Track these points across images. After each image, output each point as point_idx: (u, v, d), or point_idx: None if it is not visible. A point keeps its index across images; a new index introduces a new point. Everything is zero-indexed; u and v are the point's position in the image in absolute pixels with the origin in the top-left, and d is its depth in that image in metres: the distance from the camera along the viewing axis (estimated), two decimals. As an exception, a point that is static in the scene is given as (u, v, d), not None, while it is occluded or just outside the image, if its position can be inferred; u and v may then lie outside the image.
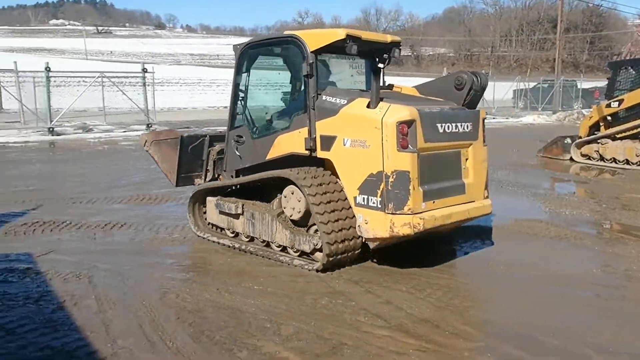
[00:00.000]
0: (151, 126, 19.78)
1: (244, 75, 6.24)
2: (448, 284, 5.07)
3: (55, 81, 19.24)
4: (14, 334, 3.97)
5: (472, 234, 6.67)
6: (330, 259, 5.18)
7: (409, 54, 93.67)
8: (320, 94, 5.50)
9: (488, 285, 5.08)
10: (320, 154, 5.45)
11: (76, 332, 3.98)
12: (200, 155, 6.71)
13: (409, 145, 4.94)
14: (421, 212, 5.00)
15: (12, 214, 7.44)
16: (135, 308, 4.43)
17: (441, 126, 5.24)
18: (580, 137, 13.33)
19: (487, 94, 27.64)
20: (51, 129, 17.84)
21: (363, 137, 5.09)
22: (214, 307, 4.47)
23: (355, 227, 5.25)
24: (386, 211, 4.98)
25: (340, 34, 5.36)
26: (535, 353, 3.76)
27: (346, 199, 5.29)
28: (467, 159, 5.53)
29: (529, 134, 20.25)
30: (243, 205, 6.01)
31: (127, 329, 4.06)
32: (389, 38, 5.91)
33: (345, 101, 5.32)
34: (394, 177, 4.92)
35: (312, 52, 5.43)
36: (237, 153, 6.22)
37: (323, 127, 5.40)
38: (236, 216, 6.08)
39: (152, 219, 7.27)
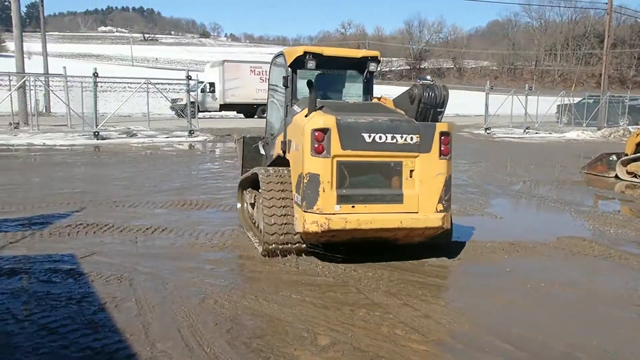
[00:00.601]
0: (193, 132, 20.11)
1: (269, 85, 7.25)
2: (490, 299, 4.97)
3: (101, 86, 19.82)
4: (56, 333, 4.07)
5: (514, 251, 6.54)
6: (269, 246, 5.88)
7: (452, 66, 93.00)
8: (293, 104, 6.22)
9: (529, 303, 4.96)
10: (287, 155, 6.09)
11: (116, 334, 4.06)
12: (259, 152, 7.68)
13: (324, 151, 5.28)
14: (332, 214, 5.33)
15: (57, 215, 7.66)
16: (174, 312, 4.49)
17: (369, 136, 5.40)
18: (627, 155, 12.94)
19: (530, 109, 27.18)
20: (97, 133, 18.32)
21: (298, 142, 5.65)
22: (251, 315, 4.49)
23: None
24: (301, 209, 5.46)
25: (299, 51, 6.17)
26: (579, 376, 3.65)
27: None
28: (411, 170, 5.55)
29: (572, 150, 19.79)
30: (255, 195, 6.79)
31: (166, 332, 4.12)
32: (360, 53, 6.51)
33: (299, 110, 5.92)
34: (307, 178, 5.38)
35: (288, 66, 6.26)
36: (263, 153, 7.42)
37: (288, 132, 6.09)
38: (252, 205, 6.97)
39: (192, 224, 7.37)
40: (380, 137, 5.43)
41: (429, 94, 5.86)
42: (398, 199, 5.52)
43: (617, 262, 6.25)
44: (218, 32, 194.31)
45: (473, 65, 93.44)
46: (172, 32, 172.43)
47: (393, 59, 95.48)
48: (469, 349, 4.01)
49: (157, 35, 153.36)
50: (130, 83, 21.53)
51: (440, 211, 5.62)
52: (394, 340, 4.11)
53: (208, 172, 12.07)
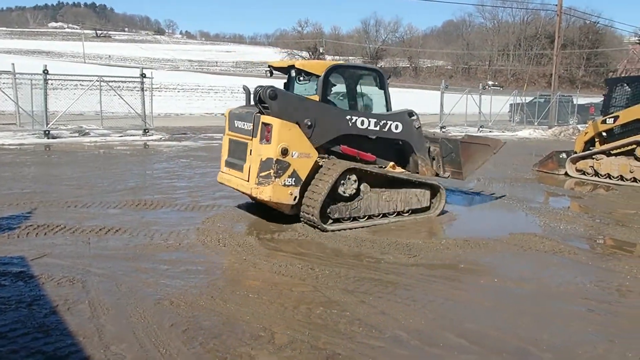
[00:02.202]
0: (148, 131, 19.75)
1: None
2: (444, 295, 5.06)
3: (52, 84, 19.18)
4: (5, 337, 3.94)
5: (468, 246, 6.67)
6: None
7: (408, 65, 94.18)
8: None
9: (482, 298, 5.07)
10: None
11: (69, 337, 3.96)
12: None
13: (225, 130, 8.09)
14: (222, 173, 8.06)
15: (6, 217, 7.40)
16: (129, 314, 4.41)
17: (236, 122, 7.71)
18: (576, 152, 13.38)
19: (484, 108, 27.80)
20: (47, 132, 17.77)
21: None
22: (208, 315, 4.45)
23: None
24: None
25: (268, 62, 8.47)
26: (530, 367, 3.76)
27: None
28: (250, 149, 7.35)
29: (525, 148, 20.31)
30: None
31: (120, 334, 4.04)
32: (286, 63, 8.20)
33: None
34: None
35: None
36: None
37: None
38: None
39: (147, 225, 7.24)
40: (240, 124, 7.60)
41: (256, 93, 7.24)
42: (241, 168, 7.47)
43: (566, 257, 6.46)
44: (173, 30, 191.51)
45: (429, 65, 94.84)
46: (126, 29, 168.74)
47: (350, 57, 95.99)
48: (424, 344, 4.08)
49: (110, 32, 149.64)
50: (82, 80, 20.90)
51: (257, 184, 7.13)
52: (351, 337, 4.15)
53: (163, 171, 11.88)
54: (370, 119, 7.70)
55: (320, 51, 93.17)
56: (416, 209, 8.07)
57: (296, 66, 7.84)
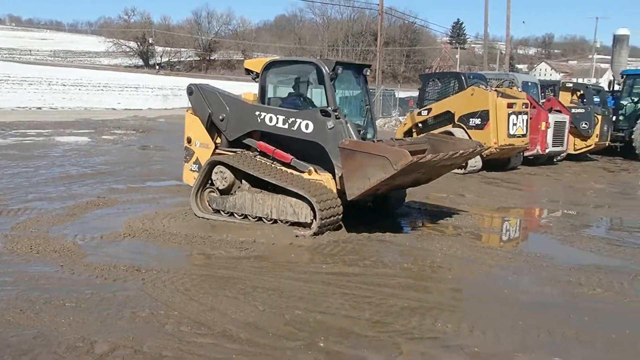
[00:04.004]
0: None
1: None
2: (273, 286, 5.12)
3: None
4: None
5: (300, 237, 6.81)
6: None
7: (242, 58, 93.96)
8: None
9: (311, 285, 5.21)
10: None
11: None
12: None
13: None
14: None
15: None
16: None
17: None
18: (397, 142, 14.37)
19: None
20: None
21: None
22: (16, 330, 4.03)
23: None
24: None
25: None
26: (353, 346, 3.96)
27: None
28: None
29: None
30: None
31: None
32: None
33: None
34: None
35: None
36: None
37: None
38: None
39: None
40: None
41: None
42: None
43: (387, 241, 6.89)
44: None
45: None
46: None
47: (182, 49, 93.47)
48: (253, 336, 4.09)
49: None
50: None
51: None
52: (179, 337, 4.03)
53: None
54: (278, 116, 7.19)
55: (150, 42, 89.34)
56: (295, 223, 6.92)
57: (244, 66, 7.97)
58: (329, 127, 6.84)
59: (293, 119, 7.07)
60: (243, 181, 7.37)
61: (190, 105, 7.98)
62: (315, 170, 7.07)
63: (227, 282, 5.21)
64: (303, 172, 7.10)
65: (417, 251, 6.44)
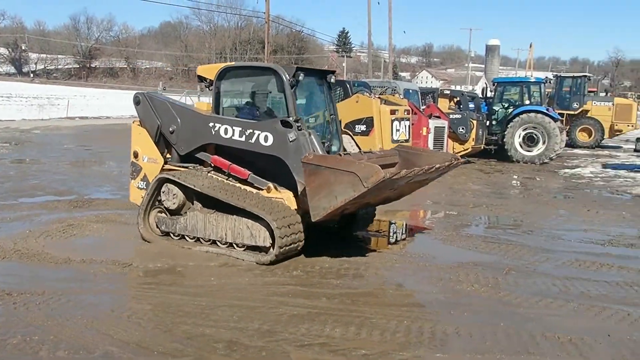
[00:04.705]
0: None
1: None
2: (158, 301, 4.95)
3: None
4: None
5: (181, 251, 6.63)
6: None
7: (125, 66, 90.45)
8: None
9: (199, 299, 5.09)
10: None
11: None
12: None
13: None
14: None
15: None
16: None
17: None
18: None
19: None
20: None
21: None
22: None
23: None
24: None
25: None
26: (242, 357, 3.92)
27: None
28: None
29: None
30: None
31: None
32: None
33: None
34: None
35: None
36: None
37: None
38: None
39: None
40: None
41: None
42: None
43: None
44: None
45: (147, 66, 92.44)
46: None
47: (59, 56, 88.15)
48: (138, 355, 3.93)
49: None
50: None
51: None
52: (54, 363, 3.76)
53: None
54: (234, 127, 6.51)
55: (23, 48, 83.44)
56: (253, 247, 6.25)
57: (197, 73, 7.35)
58: (291, 140, 6.18)
59: (251, 130, 6.41)
60: (195, 200, 6.67)
61: (137, 116, 7.26)
62: (275, 187, 6.40)
63: (109, 300, 4.96)
64: (261, 189, 6.42)
65: (306, 258, 6.49)
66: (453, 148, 16.86)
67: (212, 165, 6.77)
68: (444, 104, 17.82)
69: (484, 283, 5.71)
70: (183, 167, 6.88)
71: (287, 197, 6.34)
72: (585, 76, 24.94)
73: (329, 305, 5.00)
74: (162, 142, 7.04)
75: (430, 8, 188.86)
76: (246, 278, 5.68)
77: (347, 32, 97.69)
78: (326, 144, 6.88)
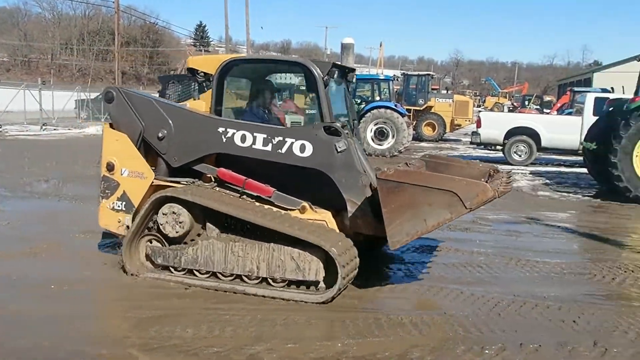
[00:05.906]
0: None
1: None
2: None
3: None
4: None
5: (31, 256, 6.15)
6: None
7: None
8: None
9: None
10: None
11: None
12: None
13: None
14: None
15: None
16: None
17: None
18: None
19: (46, 104, 26.23)
20: None
21: None
22: None
23: None
24: None
25: None
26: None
27: None
28: None
29: (93, 145, 20.04)
30: None
31: None
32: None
33: None
34: None
35: None
36: None
37: None
38: None
39: None
40: None
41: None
42: None
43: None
44: None
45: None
46: None
47: None
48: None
49: None
50: None
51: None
52: None
53: None
54: (255, 134, 5.24)
55: None
56: (297, 281, 5.08)
57: (187, 65, 6.20)
58: (339, 150, 5.12)
59: (280, 138, 5.20)
60: (209, 225, 5.37)
61: (110, 117, 5.77)
62: (310, 207, 5.30)
63: None
64: (292, 209, 5.26)
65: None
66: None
67: (217, 179, 5.48)
68: (300, 101, 18.20)
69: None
70: (182, 182, 5.43)
71: (327, 219, 5.27)
72: (429, 75, 26.81)
73: (183, 305, 4.89)
74: (142, 150, 5.56)
75: (288, 4, 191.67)
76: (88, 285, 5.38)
77: (205, 26, 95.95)
78: None
